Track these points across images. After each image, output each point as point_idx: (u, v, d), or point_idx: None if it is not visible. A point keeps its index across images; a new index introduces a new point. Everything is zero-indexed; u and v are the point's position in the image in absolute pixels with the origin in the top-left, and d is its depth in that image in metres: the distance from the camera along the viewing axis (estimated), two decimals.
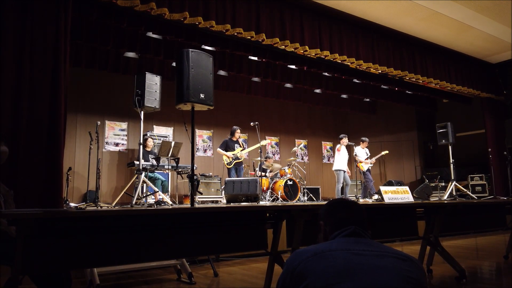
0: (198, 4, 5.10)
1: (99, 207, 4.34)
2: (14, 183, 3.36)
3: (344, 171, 7.99)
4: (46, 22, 3.91)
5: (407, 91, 9.17)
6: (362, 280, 1.10)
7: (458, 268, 3.73)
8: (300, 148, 10.94)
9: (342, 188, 8.11)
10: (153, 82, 4.98)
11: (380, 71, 7.13)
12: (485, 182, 9.31)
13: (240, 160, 7.26)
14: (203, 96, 3.70)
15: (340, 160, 7.99)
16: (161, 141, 7.55)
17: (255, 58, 7.17)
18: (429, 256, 4.15)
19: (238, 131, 7.42)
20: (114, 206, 5.03)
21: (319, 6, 6.21)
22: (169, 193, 7.62)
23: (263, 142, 7.35)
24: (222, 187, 7.96)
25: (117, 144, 8.27)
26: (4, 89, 3.59)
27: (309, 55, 6.47)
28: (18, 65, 3.72)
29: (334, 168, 8.09)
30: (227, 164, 7.20)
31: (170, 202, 5.49)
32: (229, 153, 7.19)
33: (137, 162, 5.17)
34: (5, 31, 3.68)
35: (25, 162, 3.58)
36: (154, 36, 6.19)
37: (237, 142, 7.39)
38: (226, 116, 9.59)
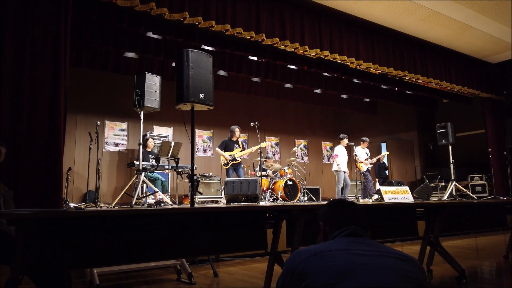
0: (198, 4, 5.10)
1: (99, 207, 4.34)
2: (14, 183, 3.36)
3: (344, 172, 7.98)
4: (46, 22, 3.91)
5: (407, 91, 9.17)
6: (362, 280, 1.10)
7: (458, 268, 3.72)
8: (300, 148, 10.94)
9: (342, 188, 8.10)
10: (153, 82, 4.98)
11: (380, 71, 7.13)
12: (485, 182, 9.31)
13: (238, 161, 7.18)
14: (203, 96, 3.70)
15: (340, 161, 7.98)
16: (161, 141, 7.56)
17: (255, 58, 7.17)
18: (429, 256, 4.15)
19: (237, 130, 7.30)
20: (114, 206, 5.03)
21: (319, 6, 6.21)
22: (169, 193, 7.63)
23: (263, 144, 7.30)
24: (222, 187, 7.96)
25: (117, 144, 8.28)
26: (4, 89, 3.59)
27: (309, 55, 6.47)
28: (19, 65, 3.72)
29: (334, 168, 8.08)
30: (223, 164, 7.15)
31: (170, 202, 5.49)
32: (226, 154, 7.12)
33: (137, 162, 5.16)
34: (5, 31, 3.68)
35: (25, 162, 3.58)
36: (154, 36, 6.20)
37: (236, 142, 7.32)
38: (226, 116, 9.59)
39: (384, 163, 9.79)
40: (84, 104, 7.85)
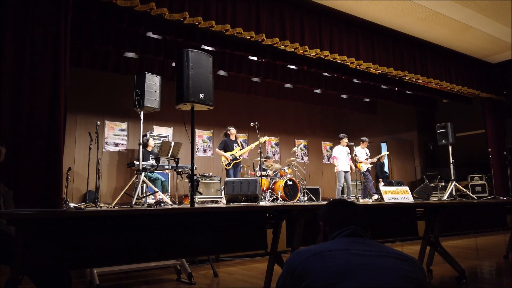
0: (198, 4, 5.10)
1: (98, 207, 4.34)
2: (14, 183, 3.36)
3: (346, 172, 7.95)
4: (46, 22, 3.91)
5: (407, 91, 9.17)
6: (362, 280, 1.10)
7: (458, 268, 3.72)
8: (300, 148, 10.94)
9: (343, 188, 8.09)
10: (153, 82, 4.98)
11: (380, 71, 7.12)
12: (485, 182, 9.31)
13: (238, 160, 7.22)
14: (203, 96, 3.70)
15: (338, 162, 7.96)
16: (161, 141, 7.55)
17: (255, 58, 7.16)
18: (429, 256, 4.15)
19: (231, 129, 7.36)
20: (114, 206, 5.03)
21: (319, 6, 6.21)
22: (168, 193, 7.63)
23: (261, 140, 7.30)
24: (222, 187, 7.96)
25: (117, 144, 8.27)
26: (4, 89, 3.59)
27: (309, 55, 6.47)
28: (19, 65, 3.72)
29: (335, 170, 8.08)
30: (225, 165, 7.17)
31: (170, 202, 5.49)
32: (227, 154, 7.15)
33: (137, 162, 5.16)
34: (5, 31, 3.68)
35: (25, 162, 3.58)
36: (154, 36, 6.20)
37: (235, 141, 7.36)
38: (226, 116, 9.59)
39: (383, 162, 9.81)
40: (84, 104, 7.84)
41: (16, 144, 3.54)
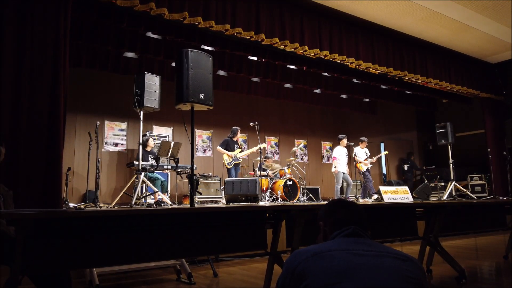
0: (198, 4, 5.09)
1: (98, 207, 4.34)
2: (14, 183, 3.36)
3: (344, 172, 7.96)
4: (46, 22, 3.91)
5: (407, 91, 9.16)
6: (362, 280, 1.10)
7: (458, 268, 3.73)
8: (300, 148, 10.94)
9: (342, 188, 8.10)
10: (152, 82, 4.98)
11: (379, 71, 7.12)
12: (484, 182, 9.31)
13: (239, 161, 7.33)
14: (202, 96, 3.70)
15: (337, 163, 7.97)
16: (160, 141, 7.56)
17: (255, 58, 7.16)
18: (428, 256, 4.15)
19: (239, 131, 7.51)
20: (113, 207, 5.02)
21: (319, 6, 6.21)
22: (168, 193, 7.63)
23: (261, 146, 7.32)
24: (221, 187, 7.96)
25: (116, 144, 8.27)
26: (4, 89, 3.59)
27: (308, 55, 6.47)
28: (18, 65, 3.72)
29: (332, 170, 8.09)
30: (227, 164, 7.21)
31: (170, 202, 5.49)
32: (231, 153, 7.22)
33: (137, 162, 5.16)
34: (5, 31, 3.68)
35: (25, 162, 3.58)
36: (154, 36, 6.19)
37: (236, 143, 7.43)
38: (226, 116, 9.59)
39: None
40: (84, 104, 7.84)
41: (16, 144, 3.54)
